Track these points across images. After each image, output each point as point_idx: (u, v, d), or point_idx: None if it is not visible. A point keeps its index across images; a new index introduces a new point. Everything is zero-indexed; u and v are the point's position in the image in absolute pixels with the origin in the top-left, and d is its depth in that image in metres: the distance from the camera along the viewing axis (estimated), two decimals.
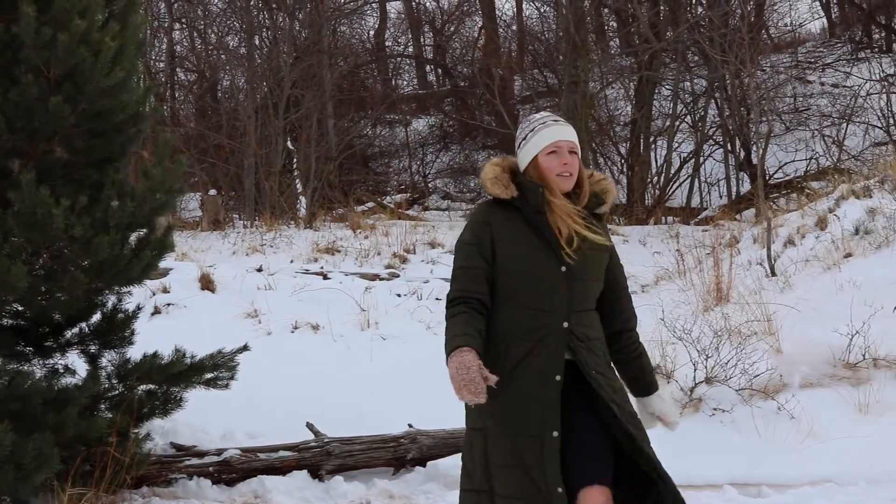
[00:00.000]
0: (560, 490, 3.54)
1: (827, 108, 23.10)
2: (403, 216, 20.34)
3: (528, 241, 3.73)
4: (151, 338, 6.78)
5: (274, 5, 24.47)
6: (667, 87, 23.17)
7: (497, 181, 3.83)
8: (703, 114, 22.44)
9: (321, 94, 23.26)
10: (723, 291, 9.93)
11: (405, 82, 31.13)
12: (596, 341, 3.77)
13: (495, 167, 3.89)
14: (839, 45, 27.26)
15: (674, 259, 12.34)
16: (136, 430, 6.34)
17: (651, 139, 22.45)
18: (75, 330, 6.49)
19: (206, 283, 11.08)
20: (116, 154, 6.27)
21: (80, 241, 5.63)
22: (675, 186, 22.05)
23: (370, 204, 22.35)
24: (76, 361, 6.48)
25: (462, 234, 3.86)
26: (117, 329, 6.55)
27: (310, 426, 7.10)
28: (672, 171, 21.93)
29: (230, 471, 6.64)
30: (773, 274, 10.45)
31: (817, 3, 29.08)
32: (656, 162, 22.41)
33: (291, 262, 14.15)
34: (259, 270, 12.21)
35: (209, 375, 6.64)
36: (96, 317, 6.51)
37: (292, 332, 10.03)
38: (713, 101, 22.16)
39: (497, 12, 28.75)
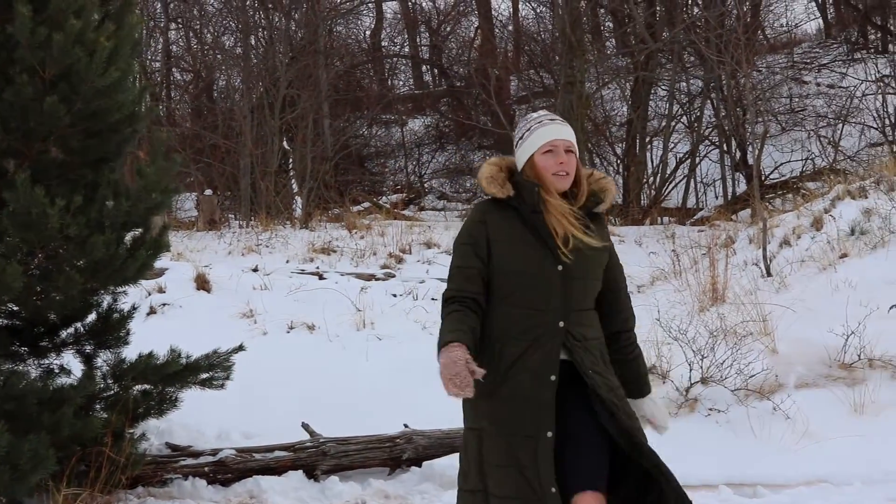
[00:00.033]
0: (554, 490, 3.54)
1: (823, 109, 23.13)
2: (399, 216, 20.34)
3: (525, 241, 3.73)
4: (147, 338, 6.77)
5: (270, 5, 24.47)
6: (663, 87, 23.18)
7: (493, 180, 3.83)
8: (699, 114, 22.45)
9: (317, 94, 23.24)
10: (718, 292, 9.93)
11: (401, 82, 31.14)
12: (594, 341, 3.76)
13: (492, 166, 3.89)
14: (835, 45, 27.30)
15: (669, 259, 12.34)
16: (131, 431, 6.34)
17: (647, 139, 22.47)
18: (70, 330, 6.48)
19: (202, 283, 11.07)
20: (112, 154, 6.25)
21: (75, 241, 5.63)
22: (670, 187, 22.07)
23: (366, 204, 22.34)
24: (71, 361, 6.47)
25: (459, 234, 3.87)
26: (113, 329, 6.54)
27: (305, 426, 7.09)
28: (668, 172, 21.95)
29: (225, 471, 6.64)
30: (769, 274, 10.46)
31: (813, 3, 29.14)
32: (652, 162, 22.44)
33: (287, 262, 14.13)
34: (255, 270, 12.20)
35: (205, 375, 6.64)
36: (91, 317, 6.51)
37: (288, 332, 10.02)
38: (709, 101, 22.17)
39: (493, 12, 28.78)
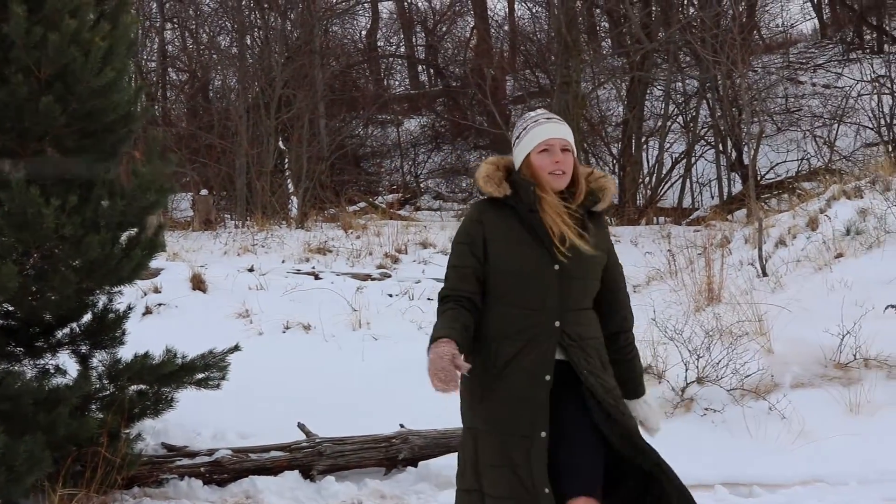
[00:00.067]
0: (547, 490, 3.53)
1: (818, 109, 23.16)
2: (395, 216, 20.35)
3: (521, 240, 3.71)
4: (142, 338, 6.76)
5: (265, 5, 24.45)
6: (658, 87, 23.21)
7: (490, 179, 3.81)
8: (694, 114, 22.49)
9: (313, 94, 23.25)
10: (714, 292, 9.93)
11: (397, 82, 31.16)
12: (591, 341, 3.73)
13: (489, 165, 3.88)
14: (830, 45, 27.32)
15: (665, 259, 12.35)
16: (127, 431, 6.33)
17: (643, 139, 22.49)
18: (66, 330, 6.47)
19: (198, 283, 11.06)
20: (107, 154, 6.25)
21: (70, 241, 5.62)
22: (666, 187, 22.09)
23: (362, 204, 22.36)
24: (67, 362, 6.46)
25: (456, 233, 3.87)
26: (108, 329, 6.53)
27: (301, 426, 7.09)
28: (664, 172, 21.97)
29: (221, 471, 6.63)
30: (765, 274, 10.47)
31: (809, 4, 29.18)
32: (648, 162, 22.46)
33: (283, 262, 14.13)
34: (250, 270, 12.20)
35: (200, 375, 6.63)
36: (87, 317, 6.50)
37: (284, 332, 10.01)
38: (705, 101, 22.19)
39: (489, 12, 28.84)
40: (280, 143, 21.96)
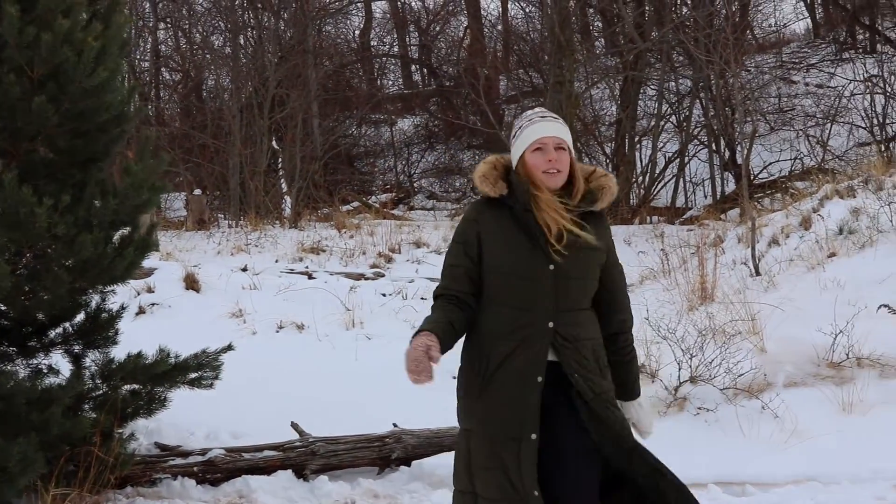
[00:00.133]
0: (536, 493, 3.52)
1: (811, 109, 23.17)
2: (388, 216, 20.35)
3: (516, 239, 3.69)
4: (136, 337, 6.75)
5: (259, 5, 24.45)
6: (652, 87, 23.20)
7: (486, 179, 3.80)
8: (687, 114, 22.48)
9: (306, 93, 23.22)
10: (707, 291, 9.94)
11: (390, 82, 31.13)
12: (587, 342, 3.70)
13: (486, 165, 3.86)
14: (823, 45, 27.36)
15: (658, 259, 12.36)
16: (120, 430, 6.32)
17: (636, 139, 22.48)
18: (59, 330, 6.46)
19: (191, 283, 11.06)
20: (100, 154, 6.23)
21: (63, 240, 5.61)
22: (659, 186, 22.11)
23: (355, 203, 22.34)
24: (60, 361, 6.45)
25: (454, 233, 3.86)
26: (101, 329, 6.52)
27: (294, 426, 7.08)
28: (657, 171, 21.98)
29: (215, 471, 6.62)
30: (758, 273, 10.47)
31: (802, 3, 29.20)
32: (641, 162, 22.46)
33: (276, 261, 14.14)
34: (244, 270, 12.19)
35: (193, 375, 6.62)
36: (80, 316, 6.49)
37: (277, 331, 10.02)
38: (698, 101, 22.19)
39: (482, 12, 28.79)
40: (273, 142, 21.95)
